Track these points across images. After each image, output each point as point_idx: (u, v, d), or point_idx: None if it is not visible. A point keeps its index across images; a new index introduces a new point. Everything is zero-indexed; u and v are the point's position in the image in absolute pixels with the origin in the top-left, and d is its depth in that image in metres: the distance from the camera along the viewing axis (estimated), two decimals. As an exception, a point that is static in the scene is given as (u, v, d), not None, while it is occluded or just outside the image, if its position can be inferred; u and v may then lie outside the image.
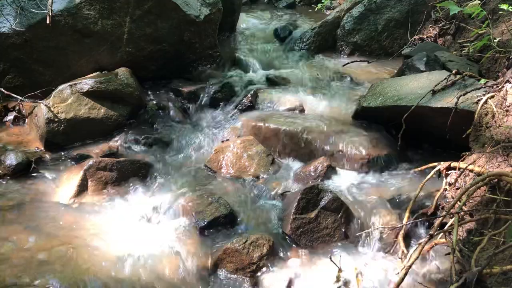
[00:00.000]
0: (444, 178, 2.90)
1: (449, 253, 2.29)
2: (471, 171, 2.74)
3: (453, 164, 2.88)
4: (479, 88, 3.05)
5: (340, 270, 2.48)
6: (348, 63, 4.95)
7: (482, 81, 3.16)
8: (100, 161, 3.12)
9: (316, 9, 7.36)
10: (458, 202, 2.43)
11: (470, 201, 2.57)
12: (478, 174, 2.62)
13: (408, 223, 2.68)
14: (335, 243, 2.72)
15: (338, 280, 2.47)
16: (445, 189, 2.85)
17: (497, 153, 2.62)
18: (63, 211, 2.87)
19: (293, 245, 2.71)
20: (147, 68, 4.22)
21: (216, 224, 2.76)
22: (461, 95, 3.01)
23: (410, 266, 2.17)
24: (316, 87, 4.43)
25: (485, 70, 3.79)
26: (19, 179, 3.13)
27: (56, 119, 3.42)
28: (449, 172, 2.91)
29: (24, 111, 3.75)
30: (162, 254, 2.56)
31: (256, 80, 4.48)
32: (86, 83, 3.60)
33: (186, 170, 3.33)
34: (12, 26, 3.65)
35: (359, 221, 2.81)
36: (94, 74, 3.87)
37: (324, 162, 3.23)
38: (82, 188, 3.02)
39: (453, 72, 3.27)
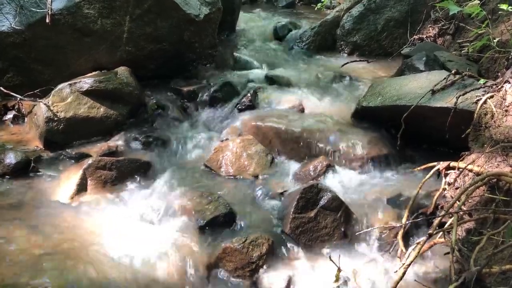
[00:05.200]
0: (443, 178, 2.90)
1: (448, 253, 2.29)
2: (470, 171, 2.74)
3: (452, 164, 2.88)
4: (478, 88, 3.05)
5: (339, 269, 2.48)
6: (347, 62, 4.95)
7: (482, 81, 3.16)
8: (100, 160, 3.12)
9: (315, 8, 7.37)
10: (457, 201, 2.43)
11: (469, 200, 2.58)
12: (477, 174, 2.63)
13: (407, 222, 2.68)
14: (334, 242, 2.72)
15: (337, 279, 2.47)
16: (444, 189, 2.85)
17: (496, 153, 2.63)
18: (63, 210, 2.87)
19: (293, 244, 2.70)
20: (147, 67, 4.22)
21: (216, 223, 2.76)
22: (460, 95, 3.01)
23: (409, 265, 2.17)
24: (315, 87, 4.44)
25: (484, 70, 3.80)
26: (19, 178, 3.12)
27: (55, 118, 3.42)
28: (448, 171, 2.91)
29: (23, 110, 3.75)
30: (161, 253, 2.56)
31: (255, 79, 4.48)
32: (86, 82, 3.60)
33: (186, 170, 3.33)
34: (12, 25, 3.65)
35: (358, 220, 2.81)
36: (94, 73, 3.87)
37: (324, 162, 3.23)
38: (81, 187, 3.02)
39: (453, 72, 3.27)
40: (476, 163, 2.72)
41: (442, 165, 2.92)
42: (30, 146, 3.45)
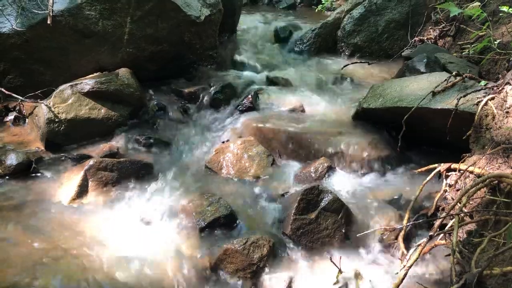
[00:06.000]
0: (444, 180, 2.90)
1: (449, 254, 2.29)
2: (471, 172, 2.74)
3: (454, 165, 2.89)
4: (479, 90, 3.06)
5: (340, 271, 2.49)
6: (348, 64, 4.95)
7: (482, 82, 3.17)
8: (101, 161, 3.12)
9: (316, 10, 7.39)
10: (458, 203, 2.43)
11: (470, 202, 2.58)
12: (478, 176, 2.63)
13: (408, 224, 2.68)
14: (335, 244, 2.72)
15: (338, 281, 2.47)
16: (445, 191, 2.85)
17: (497, 155, 2.63)
18: (64, 211, 2.87)
19: (293, 246, 2.70)
20: (148, 68, 4.22)
21: (216, 225, 2.76)
22: (461, 97, 3.02)
23: (409, 267, 2.18)
24: (316, 88, 4.44)
25: (485, 72, 3.80)
26: (20, 179, 3.13)
27: (56, 119, 3.43)
28: (449, 173, 2.91)
29: (24, 111, 3.76)
30: (162, 255, 2.56)
31: (256, 81, 4.49)
32: (87, 83, 3.60)
33: (187, 171, 3.33)
34: (13, 26, 3.65)
35: (359, 222, 2.82)
36: (95, 74, 3.87)
37: (325, 163, 3.23)
38: (82, 188, 3.02)
39: (453, 73, 3.28)
40: (477, 164, 2.72)
41: (443, 166, 2.92)
42: (31, 147, 3.45)
